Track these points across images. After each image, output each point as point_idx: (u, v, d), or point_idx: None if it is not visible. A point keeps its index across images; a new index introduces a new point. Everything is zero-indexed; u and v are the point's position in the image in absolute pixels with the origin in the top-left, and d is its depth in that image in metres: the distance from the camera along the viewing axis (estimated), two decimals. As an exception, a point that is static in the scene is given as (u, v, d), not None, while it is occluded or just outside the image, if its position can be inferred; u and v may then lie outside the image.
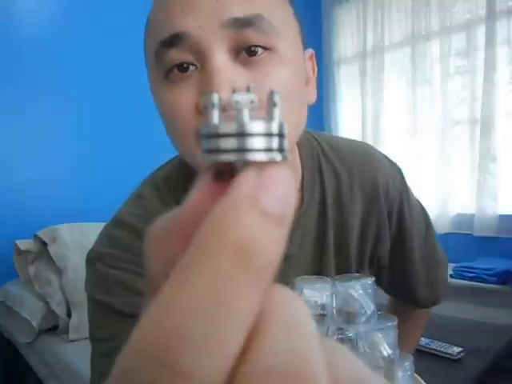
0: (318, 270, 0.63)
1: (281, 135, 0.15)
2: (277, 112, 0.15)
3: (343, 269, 0.64)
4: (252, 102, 0.15)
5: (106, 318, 0.54)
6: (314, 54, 0.58)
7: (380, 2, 2.82)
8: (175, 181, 0.59)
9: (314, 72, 0.58)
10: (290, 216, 0.14)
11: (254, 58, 0.46)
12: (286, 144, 0.15)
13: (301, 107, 0.52)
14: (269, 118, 0.15)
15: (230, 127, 0.14)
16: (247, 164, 0.14)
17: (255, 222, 0.13)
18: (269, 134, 0.15)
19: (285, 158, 0.15)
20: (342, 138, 0.72)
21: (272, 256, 0.13)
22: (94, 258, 0.56)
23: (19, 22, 2.00)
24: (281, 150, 0.15)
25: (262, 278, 0.12)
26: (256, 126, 0.14)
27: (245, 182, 0.13)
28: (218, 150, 0.14)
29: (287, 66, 0.48)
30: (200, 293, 0.12)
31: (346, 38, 3.04)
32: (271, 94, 0.15)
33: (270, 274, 0.13)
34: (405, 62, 2.75)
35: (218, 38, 0.45)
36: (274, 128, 0.15)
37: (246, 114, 0.15)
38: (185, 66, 0.46)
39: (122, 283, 0.53)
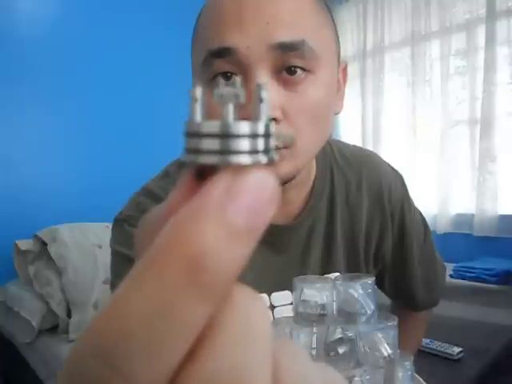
0: (327, 267, 0.65)
1: (267, 135, 0.14)
2: (264, 109, 0.14)
3: (352, 266, 0.67)
4: (237, 96, 0.14)
5: (127, 267, 0.56)
6: (347, 65, 0.61)
7: (380, 2, 2.82)
8: None
9: (344, 82, 0.62)
10: (260, 230, 0.13)
11: (293, 77, 0.50)
12: (273, 144, 0.14)
13: (328, 123, 0.56)
14: (255, 115, 0.14)
15: (213, 127, 0.13)
16: (230, 165, 0.13)
17: (214, 235, 0.12)
18: (254, 135, 0.13)
19: (271, 160, 0.14)
20: (347, 144, 0.75)
21: (226, 273, 0.12)
22: (121, 220, 0.61)
23: (19, 22, 2.00)
24: (267, 151, 0.14)
25: (211, 295, 0.12)
26: (241, 127, 0.13)
27: (215, 187, 0.12)
28: (200, 151, 0.13)
29: (322, 88, 0.52)
30: (146, 302, 0.11)
31: (345, 38, 3.03)
32: (258, 87, 0.14)
33: (222, 290, 0.12)
34: (405, 62, 2.75)
35: (263, 58, 0.49)
36: (260, 128, 0.14)
37: (230, 109, 0.14)
38: (229, 75, 0.50)
39: None
